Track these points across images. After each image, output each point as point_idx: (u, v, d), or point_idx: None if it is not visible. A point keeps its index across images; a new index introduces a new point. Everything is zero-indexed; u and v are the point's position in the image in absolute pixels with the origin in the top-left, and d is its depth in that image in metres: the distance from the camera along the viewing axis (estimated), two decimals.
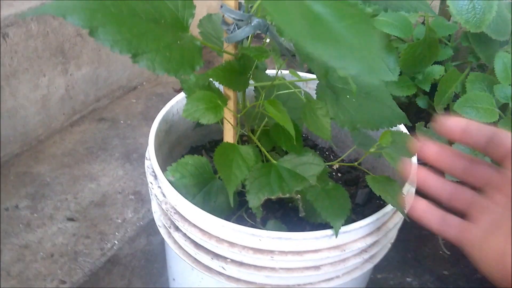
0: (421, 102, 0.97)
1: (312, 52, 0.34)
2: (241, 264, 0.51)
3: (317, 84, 0.54)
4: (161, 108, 0.66)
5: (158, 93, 1.16)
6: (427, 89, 0.94)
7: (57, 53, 0.93)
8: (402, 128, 0.65)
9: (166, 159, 0.67)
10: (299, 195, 0.53)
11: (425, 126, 0.93)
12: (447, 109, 0.91)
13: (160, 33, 0.39)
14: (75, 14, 0.35)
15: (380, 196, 0.51)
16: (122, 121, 1.04)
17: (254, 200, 0.49)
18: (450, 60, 0.97)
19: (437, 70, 0.93)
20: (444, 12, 0.97)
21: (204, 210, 0.50)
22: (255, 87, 0.61)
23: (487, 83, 0.84)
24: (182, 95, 0.69)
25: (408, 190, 0.55)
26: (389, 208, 0.52)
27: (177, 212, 0.54)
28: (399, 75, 0.87)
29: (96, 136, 0.98)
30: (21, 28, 0.85)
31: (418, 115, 1.08)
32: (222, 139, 0.60)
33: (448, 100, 0.90)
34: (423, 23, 0.97)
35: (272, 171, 0.52)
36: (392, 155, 0.54)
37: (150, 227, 0.79)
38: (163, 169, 0.56)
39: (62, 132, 0.99)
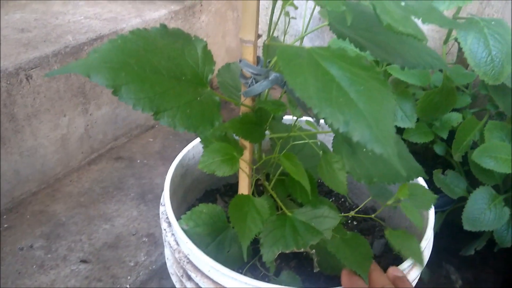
0: (439, 149, 0.96)
1: (319, 114, 0.34)
2: None
3: (334, 137, 0.54)
4: (178, 147, 0.67)
5: (175, 133, 1.17)
6: (445, 137, 0.93)
7: (78, 93, 0.95)
8: (419, 178, 0.64)
9: (180, 204, 0.67)
10: (314, 250, 0.52)
11: (443, 173, 0.92)
12: (465, 156, 0.90)
13: (181, 90, 0.40)
14: (100, 74, 0.36)
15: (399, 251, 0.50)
16: (138, 160, 1.05)
17: (268, 254, 0.49)
18: (468, 107, 0.96)
19: (455, 118, 0.92)
20: (462, 60, 0.97)
21: (217, 259, 0.49)
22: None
23: (506, 132, 0.83)
24: (198, 139, 0.69)
25: (425, 245, 0.54)
26: (405, 265, 0.51)
27: (190, 262, 0.53)
28: (416, 121, 0.87)
29: (112, 175, 0.99)
30: (44, 70, 0.87)
31: (435, 160, 1.06)
32: (236, 183, 0.60)
33: (466, 148, 0.89)
34: (440, 70, 0.97)
35: (287, 223, 0.52)
36: (410, 208, 0.53)
37: (162, 270, 0.79)
38: (177, 214, 0.56)
39: (80, 171, 1.00)
